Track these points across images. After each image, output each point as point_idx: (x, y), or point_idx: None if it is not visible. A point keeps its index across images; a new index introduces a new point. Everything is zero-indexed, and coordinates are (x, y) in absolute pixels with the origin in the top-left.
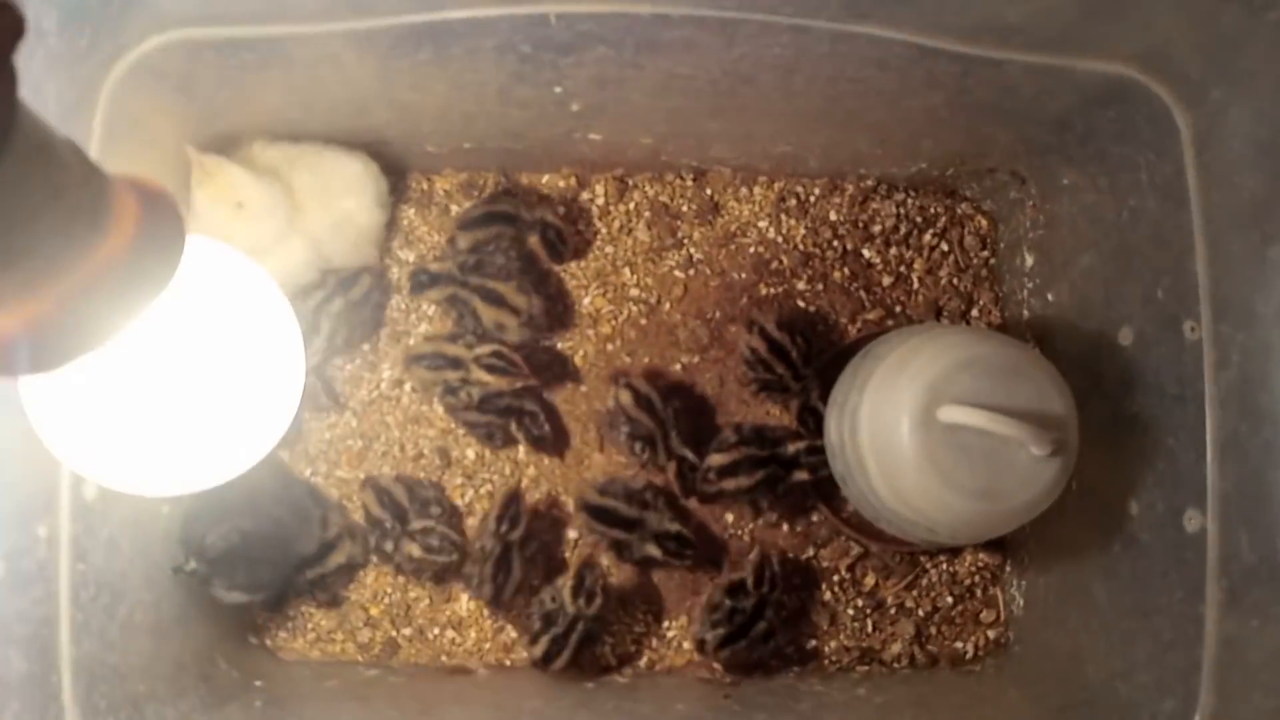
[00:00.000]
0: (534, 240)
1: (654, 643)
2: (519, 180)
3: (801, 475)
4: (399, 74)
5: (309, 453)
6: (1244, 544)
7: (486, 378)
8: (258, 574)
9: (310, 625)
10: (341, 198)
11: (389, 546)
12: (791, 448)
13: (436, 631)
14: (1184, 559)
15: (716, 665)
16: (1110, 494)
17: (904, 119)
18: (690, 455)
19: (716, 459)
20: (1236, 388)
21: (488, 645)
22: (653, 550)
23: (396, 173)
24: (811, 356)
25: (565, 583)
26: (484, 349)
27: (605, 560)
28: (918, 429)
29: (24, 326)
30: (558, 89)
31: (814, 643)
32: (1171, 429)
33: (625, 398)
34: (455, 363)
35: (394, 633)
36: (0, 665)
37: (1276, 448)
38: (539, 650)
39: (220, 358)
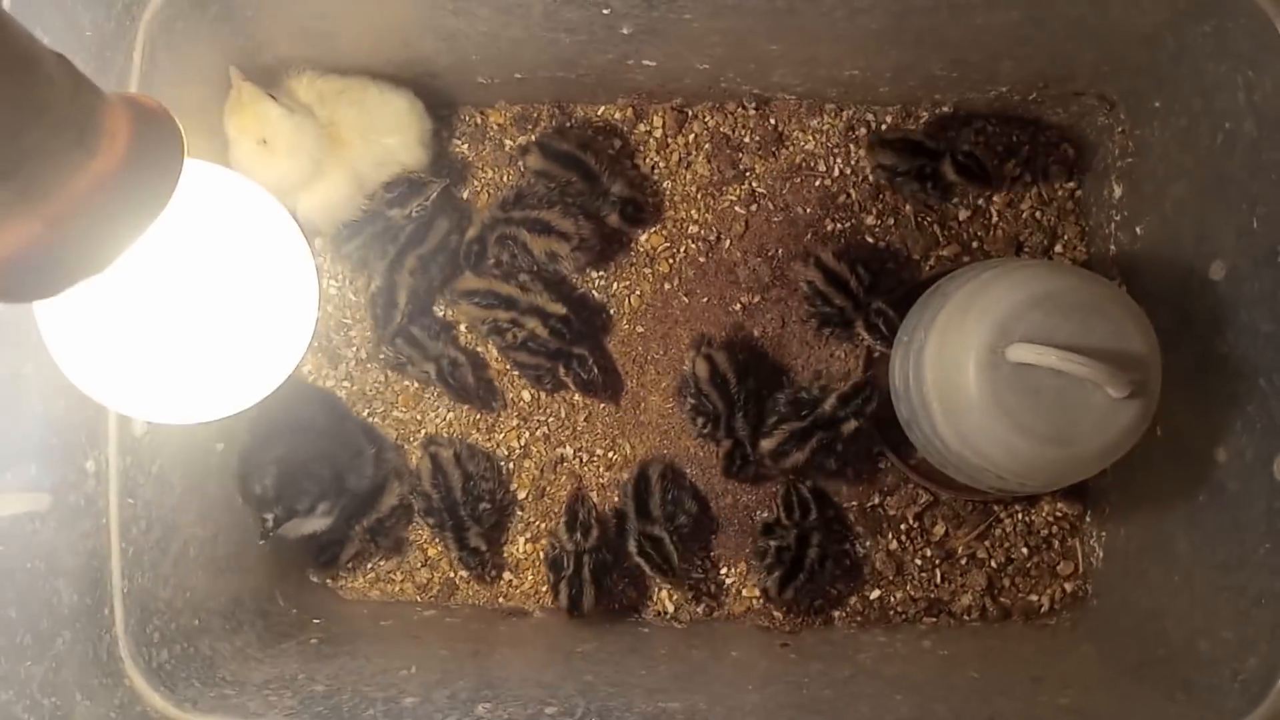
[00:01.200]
0: (613, 218)
1: (712, 589)
2: (574, 112)
3: (850, 425)
4: None
5: (365, 393)
6: None
7: (541, 330)
8: (311, 492)
9: (370, 565)
10: (385, 134)
11: (430, 521)
12: (827, 406)
13: (494, 573)
14: (1274, 509)
15: (778, 614)
16: (1196, 440)
17: (979, 37)
18: (748, 445)
19: (766, 445)
20: None
21: (544, 588)
22: (631, 548)
23: (448, 106)
24: (875, 289)
25: (559, 522)
26: (532, 324)
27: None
28: (984, 369)
29: (15, 248)
30: (606, 10)
31: (878, 593)
32: (1264, 370)
33: (702, 370)
34: (508, 302)
35: (451, 574)
36: (50, 595)
37: None
38: (562, 599)
39: (231, 287)
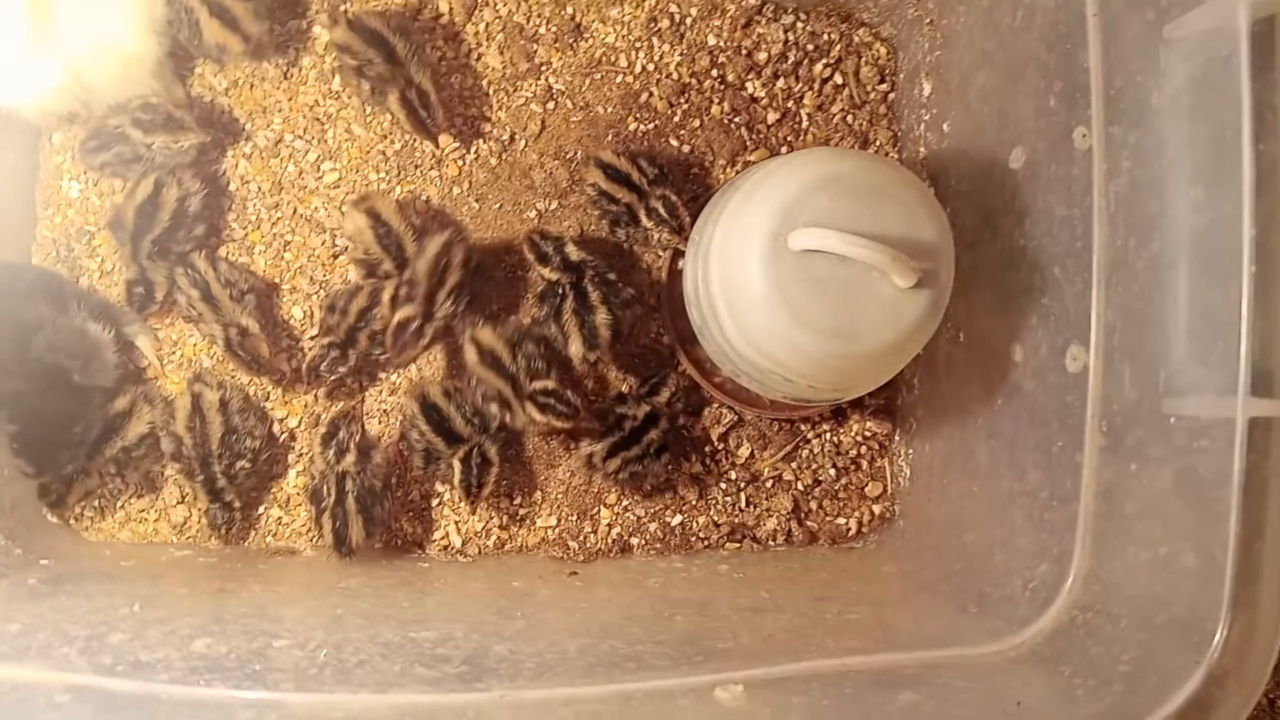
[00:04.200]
0: (392, 99)
1: (503, 520)
2: None
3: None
4: None
5: (109, 308)
6: (1126, 379)
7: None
8: (71, 435)
9: (120, 504)
10: (105, 18)
11: (177, 467)
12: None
13: (262, 509)
14: (1065, 403)
15: (573, 544)
16: (996, 341)
17: None
18: (551, 384)
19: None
20: (1126, 198)
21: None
22: (455, 459)
23: None
24: (664, 181)
25: (312, 444)
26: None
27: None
28: (766, 259)
29: None
30: None
31: (680, 519)
32: (1058, 257)
33: (470, 355)
34: None
35: None
36: None
37: (1164, 261)
38: (327, 534)
39: None
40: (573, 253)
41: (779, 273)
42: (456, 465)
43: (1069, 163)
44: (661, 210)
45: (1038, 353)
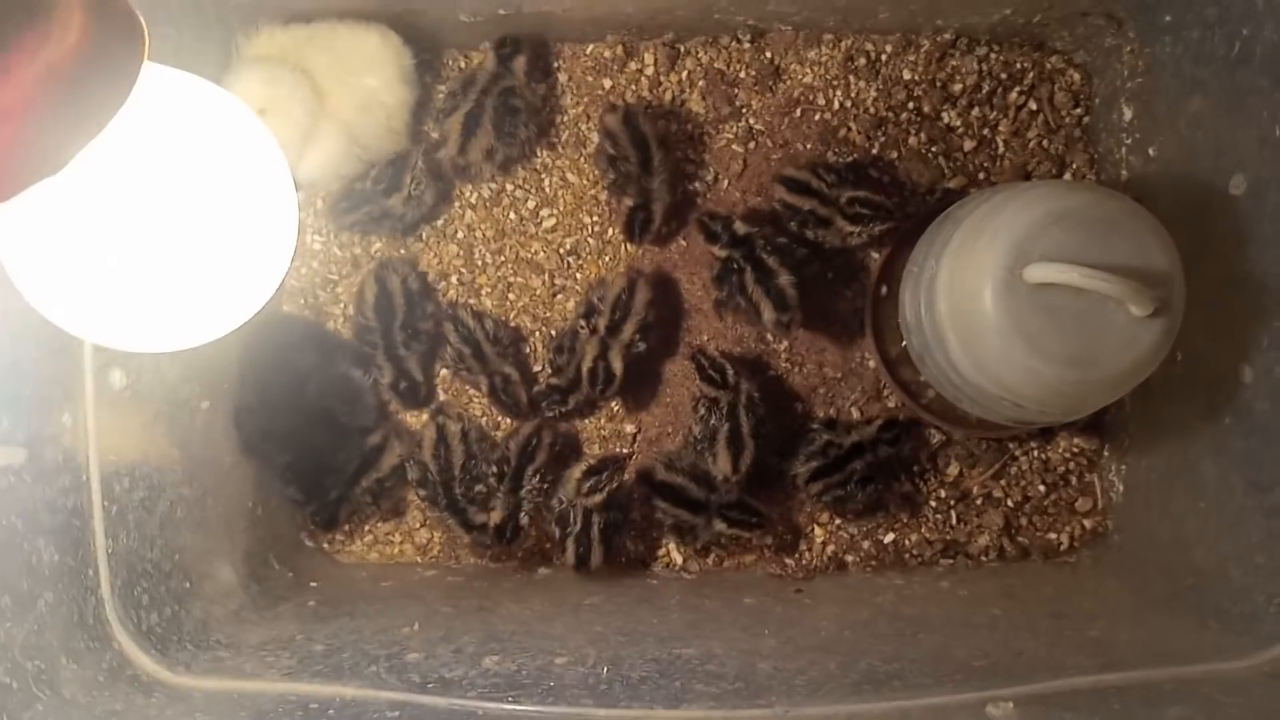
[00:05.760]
0: (626, 201)
1: (722, 540)
2: (562, 52)
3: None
4: None
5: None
6: None
7: None
8: (338, 470)
9: (367, 528)
10: (363, 76)
11: (422, 494)
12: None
13: (515, 538)
14: None
15: (790, 561)
16: (1220, 362)
17: None
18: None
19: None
20: None
21: (549, 544)
22: (720, 526)
23: (431, 50)
24: (845, 182)
25: (573, 474)
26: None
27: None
28: (1001, 292)
29: None
30: None
31: (893, 536)
32: None
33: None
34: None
35: (455, 534)
36: (29, 555)
37: None
38: (569, 556)
39: (204, 203)
40: (740, 228)
41: (1014, 305)
42: (720, 524)
43: None
44: (860, 209)
45: (1270, 374)
